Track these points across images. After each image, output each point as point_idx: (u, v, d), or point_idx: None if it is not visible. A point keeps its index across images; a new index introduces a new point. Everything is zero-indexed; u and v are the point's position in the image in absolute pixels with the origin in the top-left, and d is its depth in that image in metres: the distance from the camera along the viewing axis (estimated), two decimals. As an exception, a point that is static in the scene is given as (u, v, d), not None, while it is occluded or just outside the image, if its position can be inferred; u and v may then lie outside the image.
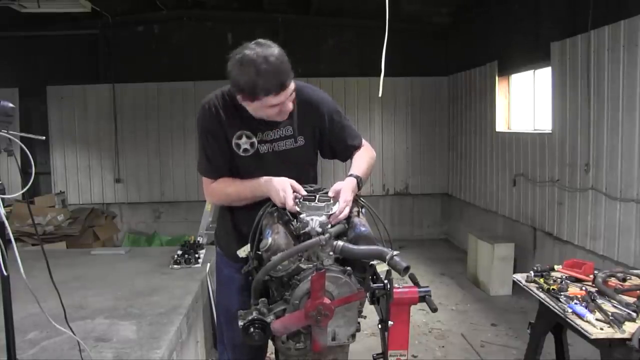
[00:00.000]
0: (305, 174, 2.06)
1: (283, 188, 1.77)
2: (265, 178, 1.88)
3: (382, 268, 1.64)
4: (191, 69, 7.89)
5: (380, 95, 2.81)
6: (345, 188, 1.82)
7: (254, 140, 1.96)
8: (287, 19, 8.04)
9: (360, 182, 1.92)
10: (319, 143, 2.11)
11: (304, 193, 1.81)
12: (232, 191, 1.98)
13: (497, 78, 6.32)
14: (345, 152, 2.13)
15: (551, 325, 2.58)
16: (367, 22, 7.43)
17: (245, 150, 1.96)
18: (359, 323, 1.65)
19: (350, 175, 1.94)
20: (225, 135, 1.98)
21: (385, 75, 2.71)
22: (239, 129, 1.96)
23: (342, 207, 1.75)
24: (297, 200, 1.76)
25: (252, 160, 1.97)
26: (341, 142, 2.10)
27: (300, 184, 1.87)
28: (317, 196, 1.78)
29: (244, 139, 1.96)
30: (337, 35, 8.22)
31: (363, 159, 2.07)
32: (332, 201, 1.76)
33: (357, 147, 2.12)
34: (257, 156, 1.97)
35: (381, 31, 2.71)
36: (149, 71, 7.88)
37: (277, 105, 1.82)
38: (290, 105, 1.89)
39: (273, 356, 3.74)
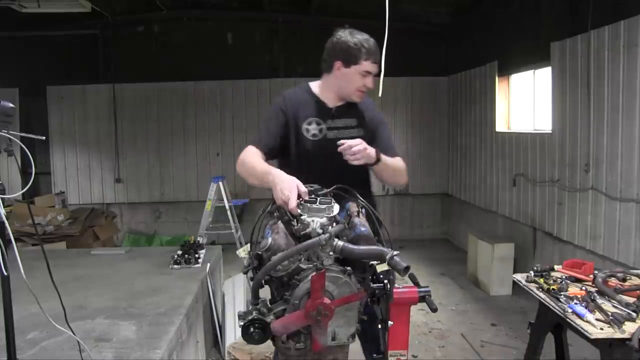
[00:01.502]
0: (360, 167, 2.25)
1: (289, 188, 1.77)
2: (277, 171, 1.93)
3: (382, 268, 1.64)
4: (191, 69, 7.90)
5: (380, 95, 2.80)
6: (364, 143, 2.04)
7: (323, 126, 2.24)
8: (287, 18, 8.04)
9: (378, 160, 2.12)
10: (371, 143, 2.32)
11: (307, 198, 1.81)
12: (250, 163, 2.11)
13: (497, 78, 6.32)
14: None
15: (551, 325, 2.58)
16: (367, 22, 7.40)
17: (314, 135, 2.23)
18: (359, 323, 1.65)
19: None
20: (296, 121, 2.23)
21: (385, 75, 2.70)
22: (311, 116, 2.24)
23: (354, 143, 1.99)
24: (298, 201, 1.76)
25: (319, 144, 2.22)
26: (382, 146, 2.31)
27: (353, 175, 2.10)
28: (319, 198, 1.78)
29: (313, 125, 2.23)
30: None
31: (395, 160, 2.30)
32: (332, 203, 1.76)
33: (394, 155, 2.36)
34: (325, 141, 2.22)
35: (381, 31, 2.71)
36: (149, 71, 7.88)
37: (368, 75, 2.19)
38: (371, 84, 2.22)
39: (273, 356, 3.74)
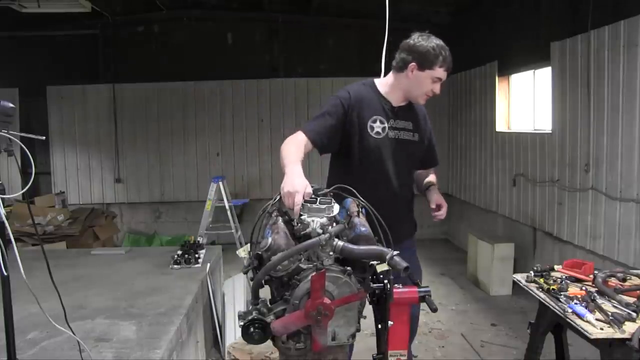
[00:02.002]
0: (414, 167, 2.48)
1: (298, 190, 1.75)
2: (292, 169, 1.91)
3: (382, 268, 1.64)
4: (191, 69, 7.90)
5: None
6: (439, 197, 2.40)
7: (386, 125, 2.29)
8: (287, 18, 8.05)
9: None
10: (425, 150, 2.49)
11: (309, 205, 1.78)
12: (284, 149, 2.15)
13: (497, 78, 6.32)
14: (426, 164, 2.57)
15: (551, 325, 2.58)
16: (367, 22, 7.44)
17: (377, 133, 2.28)
18: (359, 323, 1.65)
19: (432, 184, 2.49)
20: (360, 117, 2.26)
21: (385, 75, 2.71)
22: (376, 114, 2.29)
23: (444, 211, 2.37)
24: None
25: (381, 142, 2.28)
26: (429, 156, 2.54)
27: (408, 176, 2.35)
28: (319, 198, 1.78)
29: (377, 123, 2.28)
30: (337, 35, 8.22)
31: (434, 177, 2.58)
32: (332, 203, 1.76)
33: (434, 165, 2.59)
34: (387, 139, 2.30)
35: (381, 31, 2.71)
36: (149, 71, 7.89)
37: (438, 81, 2.26)
38: (439, 91, 2.30)
39: (273, 356, 3.75)
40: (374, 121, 2.28)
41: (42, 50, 7.79)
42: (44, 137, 2.02)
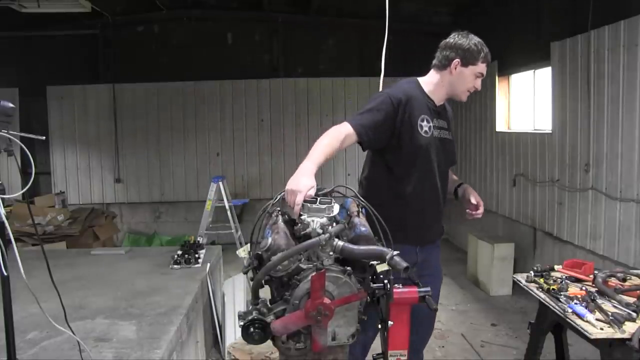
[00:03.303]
0: (450, 166, 2.53)
1: (300, 190, 1.76)
2: (309, 165, 1.93)
3: (382, 268, 1.64)
4: (191, 69, 7.90)
5: (380, 95, 2.81)
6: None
7: (431, 124, 2.34)
8: (287, 18, 8.05)
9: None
10: None
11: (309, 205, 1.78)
12: (321, 139, 2.14)
13: (497, 78, 6.32)
14: (452, 163, 2.56)
15: (551, 325, 2.58)
16: (367, 22, 7.44)
17: (425, 132, 2.32)
18: (359, 323, 1.65)
19: (462, 182, 2.62)
20: (411, 117, 2.28)
21: (385, 75, 2.71)
22: (423, 113, 2.33)
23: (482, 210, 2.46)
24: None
25: (429, 141, 2.32)
26: (455, 155, 2.58)
27: (444, 175, 2.43)
28: (319, 198, 1.78)
29: (425, 122, 2.32)
30: (337, 35, 8.22)
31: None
32: (332, 203, 1.76)
33: (455, 164, 2.61)
34: (432, 138, 2.34)
35: (381, 31, 2.71)
36: (149, 71, 7.89)
37: (480, 76, 2.32)
38: (480, 86, 2.36)
39: (273, 356, 3.75)
40: (422, 120, 2.31)
41: (42, 50, 7.79)
42: (44, 137, 2.02)
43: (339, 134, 2.17)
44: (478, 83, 2.35)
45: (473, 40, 2.31)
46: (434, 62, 2.42)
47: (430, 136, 2.32)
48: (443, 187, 2.45)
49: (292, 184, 1.80)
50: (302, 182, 1.80)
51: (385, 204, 1.99)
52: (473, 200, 2.45)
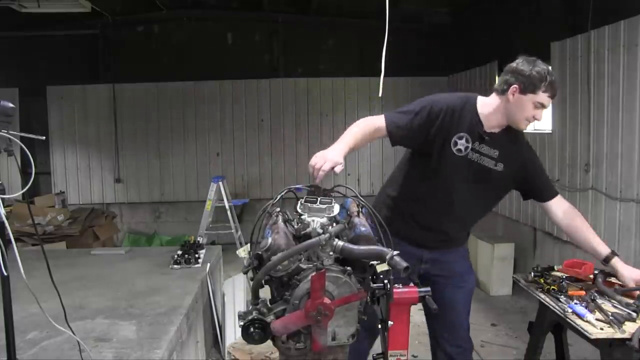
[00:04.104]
0: (488, 199, 2.43)
1: (328, 159, 1.92)
2: (342, 145, 2.06)
3: (382, 268, 1.64)
4: (191, 69, 7.90)
5: (380, 95, 2.81)
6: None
7: (469, 145, 2.25)
8: (287, 19, 8.05)
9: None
10: (518, 182, 2.40)
11: (337, 170, 1.92)
12: (352, 128, 2.22)
13: (497, 78, 6.30)
14: (542, 195, 2.49)
15: (551, 325, 2.58)
16: (367, 22, 7.43)
17: (459, 150, 2.25)
18: (359, 323, 1.65)
19: (614, 254, 2.35)
20: (447, 131, 2.23)
21: (385, 75, 2.71)
22: (463, 131, 2.24)
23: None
24: (300, 202, 1.77)
25: (459, 160, 2.25)
26: (542, 185, 2.47)
27: (473, 199, 2.32)
28: (319, 198, 1.78)
29: (463, 141, 2.24)
30: (337, 35, 8.22)
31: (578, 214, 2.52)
32: (332, 203, 1.76)
33: (554, 194, 2.50)
34: (464, 160, 2.26)
35: (381, 31, 2.70)
36: (149, 71, 7.88)
37: (541, 107, 2.19)
38: (540, 117, 2.24)
39: (273, 356, 3.74)
40: (460, 137, 2.24)
41: (42, 50, 7.79)
42: (44, 137, 2.02)
43: (372, 124, 2.25)
44: (538, 114, 2.23)
45: (537, 67, 2.17)
46: (495, 85, 2.35)
47: (464, 156, 2.26)
48: (467, 209, 2.39)
49: (321, 153, 1.92)
50: (331, 154, 1.92)
51: (397, 197, 2.19)
52: (631, 284, 2.26)
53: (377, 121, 2.27)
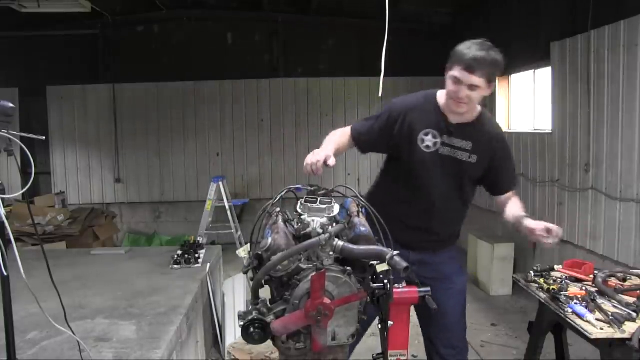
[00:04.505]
0: (461, 190, 2.33)
1: (320, 154, 2.02)
2: (327, 147, 2.15)
3: (382, 268, 1.64)
4: (191, 69, 7.89)
5: (380, 95, 2.81)
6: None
7: (438, 140, 2.22)
8: (287, 18, 8.04)
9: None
10: (486, 173, 2.33)
11: (330, 163, 2.00)
12: (329, 137, 2.29)
13: (497, 78, 6.30)
14: (500, 188, 2.39)
15: (551, 325, 2.58)
16: (367, 22, 7.43)
17: (427, 147, 2.22)
18: (359, 323, 1.65)
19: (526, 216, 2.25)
20: (411, 129, 2.23)
21: (385, 75, 2.71)
22: (429, 128, 2.22)
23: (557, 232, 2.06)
24: (300, 202, 1.77)
25: (430, 157, 2.22)
26: (502, 179, 2.36)
27: (450, 193, 2.26)
28: (319, 198, 1.78)
29: (429, 137, 2.22)
30: (337, 35, 8.22)
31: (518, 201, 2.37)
32: (332, 203, 1.76)
33: (510, 190, 2.38)
34: (436, 156, 2.22)
35: (381, 31, 2.70)
36: (149, 71, 7.88)
37: (457, 83, 2.10)
38: (464, 96, 2.11)
39: (273, 356, 3.74)
40: (426, 134, 2.22)
41: (42, 50, 7.78)
42: (44, 137, 2.02)
43: (343, 133, 2.33)
44: (459, 90, 2.11)
45: (465, 43, 2.13)
46: None
47: (434, 152, 2.22)
48: (446, 204, 2.31)
49: (311, 153, 2.01)
50: (321, 152, 2.02)
51: (383, 201, 2.08)
52: (537, 232, 2.10)
53: (346, 130, 2.33)
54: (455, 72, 2.11)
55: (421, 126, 2.23)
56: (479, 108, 2.31)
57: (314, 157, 2.01)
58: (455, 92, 2.13)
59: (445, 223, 2.40)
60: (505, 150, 2.34)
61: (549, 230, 2.07)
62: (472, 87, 2.10)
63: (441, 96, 2.29)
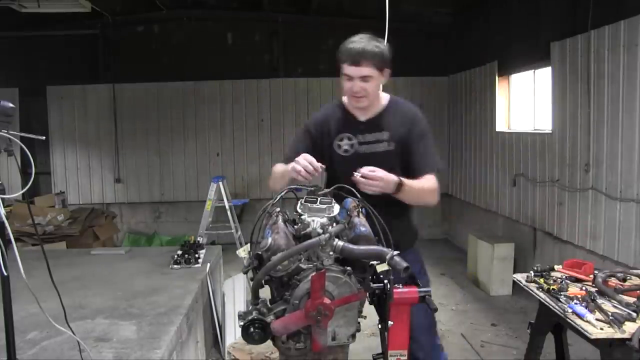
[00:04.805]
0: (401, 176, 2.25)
1: (296, 161, 1.99)
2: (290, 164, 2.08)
3: (382, 268, 1.64)
4: (191, 69, 7.90)
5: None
6: (383, 172, 1.98)
7: (354, 141, 2.23)
8: (287, 19, 8.05)
9: (401, 187, 2.05)
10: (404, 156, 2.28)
11: (317, 164, 1.98)
12: (275, 172, 2.27)
13: (497, 78, 6.32)
14: (413, 172, 2.23)
15: (551, 325, 2.58)
16: (367, 22, 7.41)
17: (346, 150, 2.24)
18: (359, 323, 1.65)
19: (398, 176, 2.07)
20: (325, 139, 2.25)
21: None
22: (343, 132, 2.25)
23: (372, 174, 1.94)
24: (300, 202, 1.77)
25: (351, 160, 2.20)
26: (415, 163, 2.25)
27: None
28: (319, 198, 1.78)
29: (345, 141, 2.24)
30: (337, 35, 8.18)
31: (421, 182, 2.19)
32: (332, 203, 1.76)
33: (427, 173, 2.24)
34: (356, 156, 2.22)
35: (381, 31, 2.71)
36: (149, 71, 7.89)
37: (350, 78, 2.12)
38: (357, 88, 2.13)
39: (273, 356, 3.74)
40: (341, 139, 2.25)
41: (42, 50, 7.79)
42: (44, 137, 2.02)
43: (278, 166, 2.28)
44: (352, 86, 2.13)
45: (346, 41, 2.15)
46: None
47: (353, 154, 2.23)
48: (385, 201, 2.13)
49: (293, 165, 2.00)
50: (295, 161, 2.00)
51: None
52: (365, 170, 1.99)
53: (277, 164, 2.30)
54: (344, 69, 2.14)
55: (335, 133, 2.26)
56: (386, 96, 2.31)
57: (297, 165, 1.97)
58: (350, 89, 2.16)
59: (391, 219, 2.27)
60: (420, 128, 2.28)
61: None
62: (364, 78, 2.12)
63: (346, 100, 2.31)
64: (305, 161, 1.98)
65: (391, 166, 2.17)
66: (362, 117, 2.28)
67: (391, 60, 2.19)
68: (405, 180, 2.07)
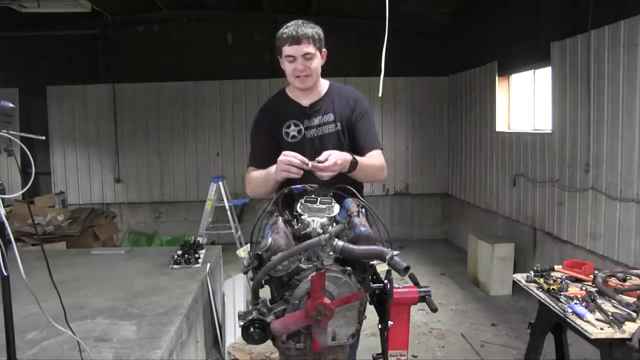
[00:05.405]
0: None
1: (280, 161, 1.93)
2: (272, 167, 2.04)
3: (382, 268, 1.64)
4: (191, 69, 7.90)
5: (380, 95, 2.81)
6: (336, 152, 1.97)
7: (301, 127, 2.24)
8: (287, 18, 7.97)
9: (353, 164, 2.04)
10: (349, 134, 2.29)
11: (301, 157, 1.92)
12: (254, 178, 2.24)
13: (497, 78, 6.32)
14: (361, 149, 2.24)
15: (551, 325, 2.58)
16: (367, 22, 7.43)
17: (294, 137, 2.23)
18: (359, 323, 1.65)
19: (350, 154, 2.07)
20: (275, 129, 2.26)
21: (385, 75, 2.70)
22: (289, 119, 2.25)
23: (326, 165, 1.90)
24: (300, 202, 1.77)
25: (300, 145, 2.19)
26: (360, 141, 2.27)
27: (341, 175, 2.04)
28: (319, 198, 1.78)
29: (292, 127, 2.25)
30: (337, 35, 8.21)
31: (371, 159, 2.21)
32: (332, 203, 1.76)
33: (372, 149, 2.26)
34: (305, 141, 2.23)
35: (381, 31, 2.70)
36: (149, 71, 7.89)
37: (292, 59, 2.14)
38: (301, 66, 2.15)
39: (273, 356, 3.74)
40: (288, 127, 2.25)
41: (42, 50, 7.79)
42: (44, 137, 2.02)
43: (254, 172, 2.26)
44: (296, 64, 2.15)
45: (280, 31, 2.18)
46: None
47: (302, 139, 2.23)
48: (343, 180, 2.14)
49: (277, 166, 1.95)
50: (279, 161, 1.94)
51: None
52: (322, 157, 1.98)
53: (250, 170, 2.28)
54: (286, 51, 2.15)
55: (281, 122, 2.26)
56: (326, 82, 2.34)
57: (284, 165, 1.92)
58: (294, 69, 2.17)
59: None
60: (362, 106, 2.32)
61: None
62: (306, 56, 2.14)
63: (289, 89, 2.34)
64: (288, 158, 1.93)
65: (341, 147, 2.19)
66: (306, 101, 2.28)
67: (325, 41, 2.24)
68: (359, 158, 2.09)
